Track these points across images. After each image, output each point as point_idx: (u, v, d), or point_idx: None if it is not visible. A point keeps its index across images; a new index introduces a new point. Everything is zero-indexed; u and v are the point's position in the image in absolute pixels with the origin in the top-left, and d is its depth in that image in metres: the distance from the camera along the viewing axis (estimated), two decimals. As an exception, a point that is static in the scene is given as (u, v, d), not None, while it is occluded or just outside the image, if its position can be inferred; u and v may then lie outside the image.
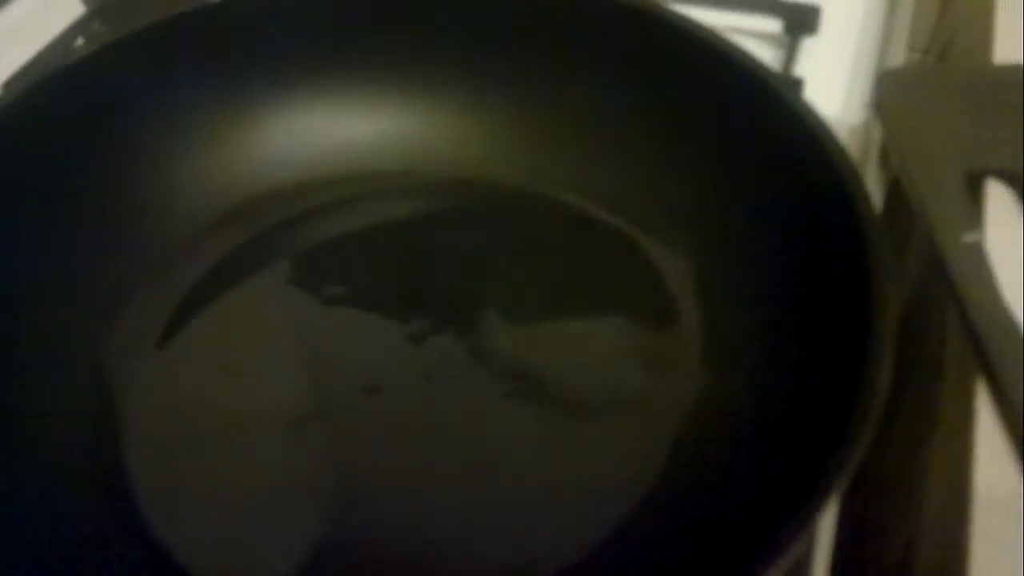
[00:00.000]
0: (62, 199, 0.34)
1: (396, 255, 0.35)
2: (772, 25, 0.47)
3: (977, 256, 0.31)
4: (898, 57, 0.46)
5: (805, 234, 0.29)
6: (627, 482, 0.29)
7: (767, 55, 0.45)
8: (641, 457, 0.30)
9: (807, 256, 0.29)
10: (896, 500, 0.33)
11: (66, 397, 0.31)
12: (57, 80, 0.35)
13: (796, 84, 0.41)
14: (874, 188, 0.38)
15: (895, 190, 0.39)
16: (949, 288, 0.31)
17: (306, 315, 0.34)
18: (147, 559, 0.28)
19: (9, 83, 0.43)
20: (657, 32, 0.33)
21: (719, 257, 0.31)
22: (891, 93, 0.37)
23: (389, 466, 0.29)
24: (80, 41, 0.46)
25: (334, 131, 0.36)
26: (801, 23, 0.47)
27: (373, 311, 0.33)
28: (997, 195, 0.34)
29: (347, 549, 0.27)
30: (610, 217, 0.34)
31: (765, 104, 0.31)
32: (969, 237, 0.32)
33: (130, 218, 0.35)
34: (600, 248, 0.34)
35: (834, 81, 0.45)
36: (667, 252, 0.33)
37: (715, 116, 0.33)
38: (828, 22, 0.47)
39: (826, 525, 0.29)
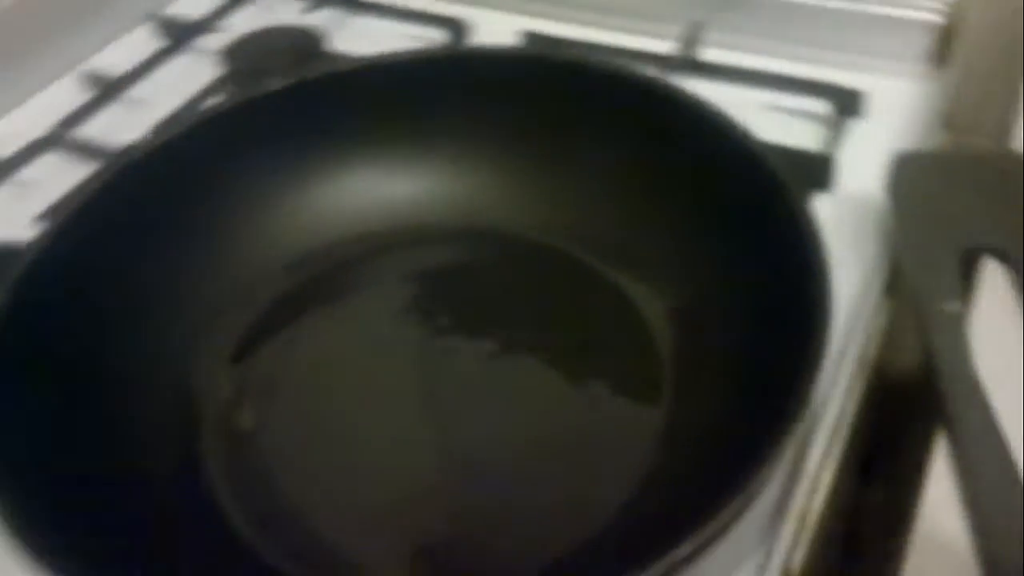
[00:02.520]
0: (181, 230, 0.41)
1: (432, 295, 0.42)
2: (820, 106, 0.51)
3: (956, 325, 0.34)
4: (936, 140, 0.49)
5: (768, 282, 0.34)
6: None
7: (813, 134, 0.49)
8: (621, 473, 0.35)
9: (769, 301, 0.34)
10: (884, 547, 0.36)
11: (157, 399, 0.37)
12: (188, 134, 0.42)
13: (823, 161, 0.45)
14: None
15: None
16: (925, 354, 0.34)
17: (370, 336, 0.41)
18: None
19: (157, 129, 0.52)
20: (652, 100, 0.39)
21: (691, 296, 0.38)
22: (903, 174, 0.40)
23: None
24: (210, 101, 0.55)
25: (384, 189, 0.44)
26: (847, 106, 0.50)
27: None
28: (993, 275, 0.37)
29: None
30: (600, 263, 0.41)
31: (740, 164, 0.36)
32: (951, 307, 0.35)
33: (222, 255, 0.43)
34: (590, 290, 0.41)
35: (876, 163, 0.48)
36: (649, 293, 0.39)
37: (698, 175, 0.38)
38: (873, 106, 0.50)
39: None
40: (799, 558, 0.32)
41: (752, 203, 0.35)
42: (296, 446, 0.37)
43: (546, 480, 0.35)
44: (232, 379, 0.39)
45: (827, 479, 0.35)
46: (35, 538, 0.27)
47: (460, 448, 0.37)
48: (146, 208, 0.40)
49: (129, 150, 0.42)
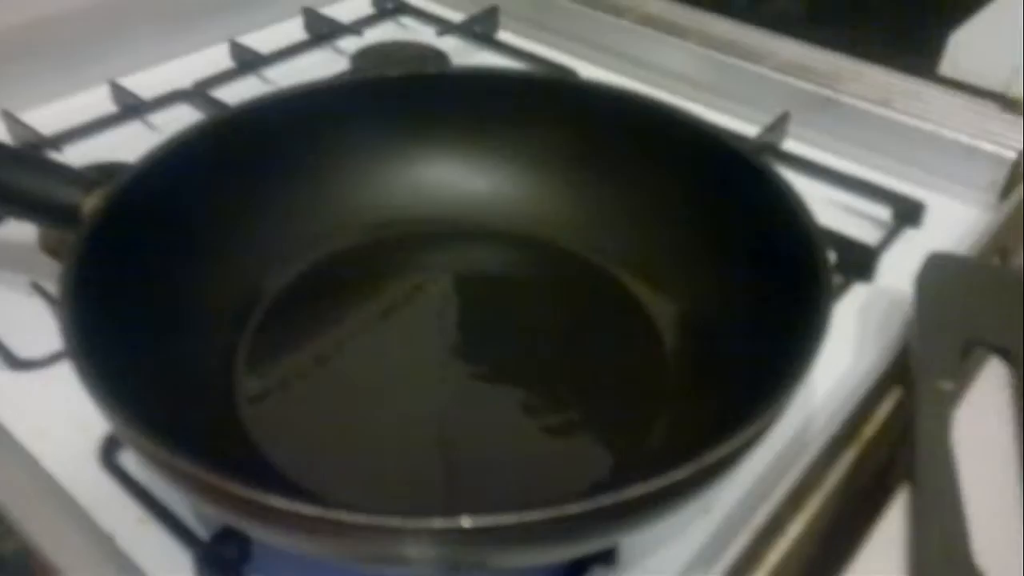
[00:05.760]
0: (271, 172, 0.46)
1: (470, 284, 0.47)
2: (881, 211, 0.54)
3: (944, 400, 0.36)
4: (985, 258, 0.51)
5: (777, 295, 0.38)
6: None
7: (868, 233, 0.52)
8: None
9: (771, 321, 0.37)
10: None
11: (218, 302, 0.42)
12: (304, 93, 0.47)
13: (869, 253, 0.48)
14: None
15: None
16: (910, 423, 0.36)
17: (402, 310, 0.45)
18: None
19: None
20: (692, 139, 0.44)
21: (702, 304, 0.42)
22: (932, 271, 0.43)
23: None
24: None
25: (459, 182, 0.49)
26: (906, 215, 0.53)
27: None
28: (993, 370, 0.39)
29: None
30: (625, 274, 0.46)
31: (760, 190, 0.40)
32: (943, 384, 0.37)
33: (303, 203, 0.47)
34: (612, 297, 0.45)
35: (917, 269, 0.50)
36: (663, 300, 0.44)
37: (720, 200, 0.43)
38: (930, 220, 0.53)
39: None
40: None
41: (778, 246, 0.39)
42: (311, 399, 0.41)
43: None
44: (268, 317, 0.44)
45: (793, 532, 0.37)
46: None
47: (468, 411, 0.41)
48: (246, 147, 0.45)
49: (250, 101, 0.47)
